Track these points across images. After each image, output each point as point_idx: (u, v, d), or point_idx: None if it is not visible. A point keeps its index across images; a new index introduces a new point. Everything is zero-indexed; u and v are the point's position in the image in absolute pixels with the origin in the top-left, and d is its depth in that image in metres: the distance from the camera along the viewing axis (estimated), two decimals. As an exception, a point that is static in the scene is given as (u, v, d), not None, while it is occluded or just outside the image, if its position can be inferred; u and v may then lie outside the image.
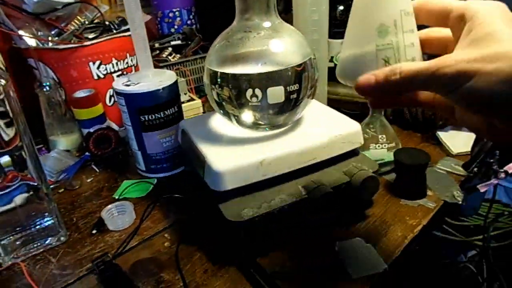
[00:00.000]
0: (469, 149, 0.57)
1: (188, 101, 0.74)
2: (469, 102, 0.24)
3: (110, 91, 0.73)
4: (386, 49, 0.29)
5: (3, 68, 0.41)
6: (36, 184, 0.46)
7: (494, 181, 0.49)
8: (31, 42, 0.67)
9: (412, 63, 0.26)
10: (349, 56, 0.32)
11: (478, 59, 0.23)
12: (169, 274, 0.42)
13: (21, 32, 0.66)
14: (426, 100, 0.32)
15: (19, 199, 0.46)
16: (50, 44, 0.68)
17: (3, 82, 0.40)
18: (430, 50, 0.32)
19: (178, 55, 0.87)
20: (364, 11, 0.30)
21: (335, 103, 0.67)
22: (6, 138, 0.43)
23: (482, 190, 0.49)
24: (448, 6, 0.28)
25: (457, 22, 0.27)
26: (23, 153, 0.45)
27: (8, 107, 0.42)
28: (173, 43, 0.89)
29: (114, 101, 0.74)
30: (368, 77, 0.28)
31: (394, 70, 0.26)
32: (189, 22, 0.97)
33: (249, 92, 0.40)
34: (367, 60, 0.30)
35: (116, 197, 0.56)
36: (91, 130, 0.65)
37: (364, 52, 0.30)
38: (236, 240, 0.42)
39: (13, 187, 0.45)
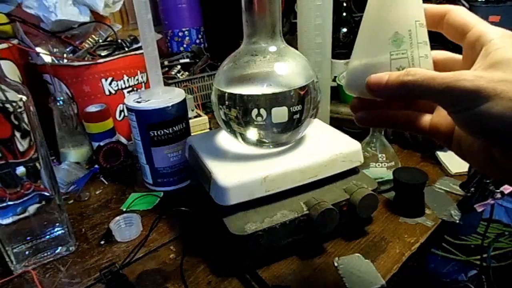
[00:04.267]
0: (466, 169, 0.59)
1: (195, 117, 0.77)
2: (478, 127, 0.23)
3: (120, 106, 0.76)
4: (400, 59, 0.28)
5: (23, 85, 0.44)
6: (49, 194, 0.48)
7: (490, 201, 0.51)
8: (47, 58, 0.71)
9: (428, 70, 0.25)
10: (359, 65, 0.30)
11: (500, 81, 0.21)
12: (174, 285, 0.43)
13: (38, 49, 0.70)
14: (421, 124, 0.30)
15: (32, 209, 0.48)
16: (65, 61, 0.71)
17: (24, 98, 0.42)
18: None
19: (187, 73, 0.91)
20: (379, 21, 0.29)
21: (337, 121, 0.70)
22: (21, 149, 0.46)
23: (478, 210, 0.51)
24: (469, 24, 0.27)
25: (473, 43, 0.26)
26: (37, 164, 0.47)
27: (26, 121, 0.44)
28: (182, 61, 0.92)
29: (124, 116, 0.77)
30: (380, 75, 0.27)
31: (408, 71, 0.25)
32: (197, 41, 1.01)
33: (254, 112, 0.42)
34: (380, 70, 0.28)
35: (124, 209, 0.58)
36: (101, 143, 0.68)
37: (376, 61, 0.29)
38: (239, 253, 0.43)
39: (27, 197, 0.47)
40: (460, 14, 0.28)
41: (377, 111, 0.31)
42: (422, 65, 0.28)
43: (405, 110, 0.31)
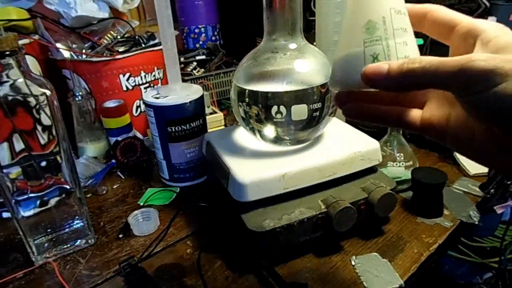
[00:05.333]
0: (486, 170, 0.58)
1: (211, 114, 0.77)
2: (492, 110, 0.22)
3: (137, 102, 0.77)
4: (374, 45, 0.27)
5: (47, 79, 0.45)
6: (69, 188, 0.49)
7: (510, 202, 0.50)
8: (67, 54, 0.72)
9: (433, 57, 0.23)
10: (337, 60, 0.30)
11: None
12: (191, 279, 0.44)
13: (58, 45, 0.71)
14: (411, 120, 0.29)
15: (52, 201, 0.49)
16: (84, 56, 0.72)
17: (48, 92, 0.43)
18: None
19: (202, 70, 0.91)
20: (354, 11, 0.29)
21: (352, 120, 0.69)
22: (43, 142, 0.46)
23: (498, 212, 0.50)
24: (456, 20, 0.27)
25: (463, 35, 0.26)
26: (58, 157, 0.48)
27: (49, 114, 0.45)
28: (197, 57, 0.93)
29: (140, 111, 0.78)
30: (378, 65, 0.25)
31: (413, 59, 0.24)
32: (213, 38, 1.01)
33: (274, 109, 0.42)
34: (354, 60, 0.28)
35: (141, 204, 0.59)
36: (119, 138, 0.68)
37: (352, 52, 0.28)
38: (256, 249, 0.44)
39: (48, 190, 0.48)
40: (444, 11, 0.28)
41: (363, 104, 0.30)
42: (400, 51, 0.27)
43: (392, 105, 0.30)
